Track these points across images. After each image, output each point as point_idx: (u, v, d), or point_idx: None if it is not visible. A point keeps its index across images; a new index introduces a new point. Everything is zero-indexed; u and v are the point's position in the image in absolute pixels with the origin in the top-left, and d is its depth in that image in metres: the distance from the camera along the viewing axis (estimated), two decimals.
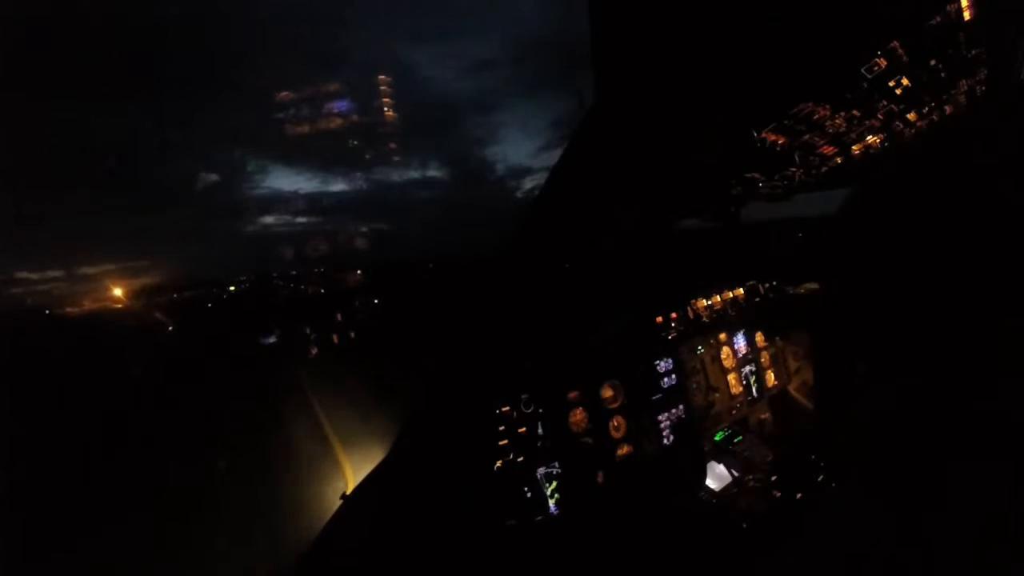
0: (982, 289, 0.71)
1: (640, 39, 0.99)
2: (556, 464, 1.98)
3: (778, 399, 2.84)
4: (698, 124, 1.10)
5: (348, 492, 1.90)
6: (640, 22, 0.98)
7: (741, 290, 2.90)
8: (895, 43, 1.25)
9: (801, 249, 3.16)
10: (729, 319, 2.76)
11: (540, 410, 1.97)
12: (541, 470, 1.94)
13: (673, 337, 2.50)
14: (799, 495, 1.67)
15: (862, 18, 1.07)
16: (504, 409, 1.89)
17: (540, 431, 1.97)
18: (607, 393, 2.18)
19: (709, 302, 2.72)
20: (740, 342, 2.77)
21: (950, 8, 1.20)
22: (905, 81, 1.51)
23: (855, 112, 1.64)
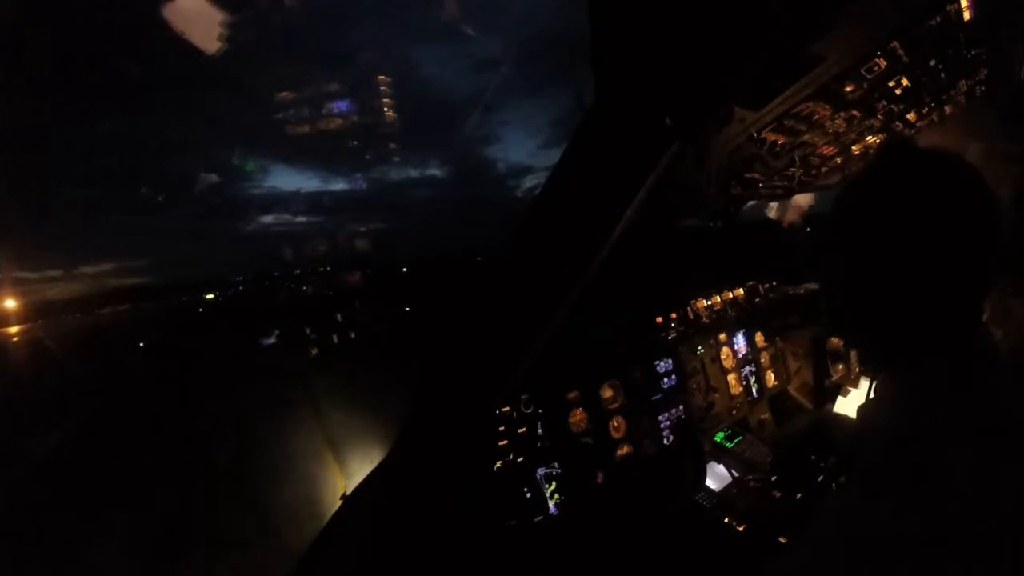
0: (978, 287, 0.71)
1: (640, 38, 0.99)
2: (556, 464, 1.97)
3: (778, 399, 2.84)
4: (698, 124, 1.10)
5: (348, 492, 1.90)
6: (640, 21, 0.97)
7: (741, 290, 2.89)
8: (895, 43, 1.25)
9: (801, 249, 3.16)
10: (729, 319, 2.76)
11: (540, 410, 1.97)
12: (541, 470, 1.94)
13: (673, 337, 2.50)
14: (799, 495, 1.67)
15: (862, 18, 1.07)
16: (504, 409, 1.89)
17: (540, 431, 1.97)
18: (607, 393, 2.18)
19: (709, 302, 2.72)
20: (740, 342, 2.77)
21: (950, 8, 1.20)
22: (905, 81, 1.51)
23: (855, 112, 1.64)
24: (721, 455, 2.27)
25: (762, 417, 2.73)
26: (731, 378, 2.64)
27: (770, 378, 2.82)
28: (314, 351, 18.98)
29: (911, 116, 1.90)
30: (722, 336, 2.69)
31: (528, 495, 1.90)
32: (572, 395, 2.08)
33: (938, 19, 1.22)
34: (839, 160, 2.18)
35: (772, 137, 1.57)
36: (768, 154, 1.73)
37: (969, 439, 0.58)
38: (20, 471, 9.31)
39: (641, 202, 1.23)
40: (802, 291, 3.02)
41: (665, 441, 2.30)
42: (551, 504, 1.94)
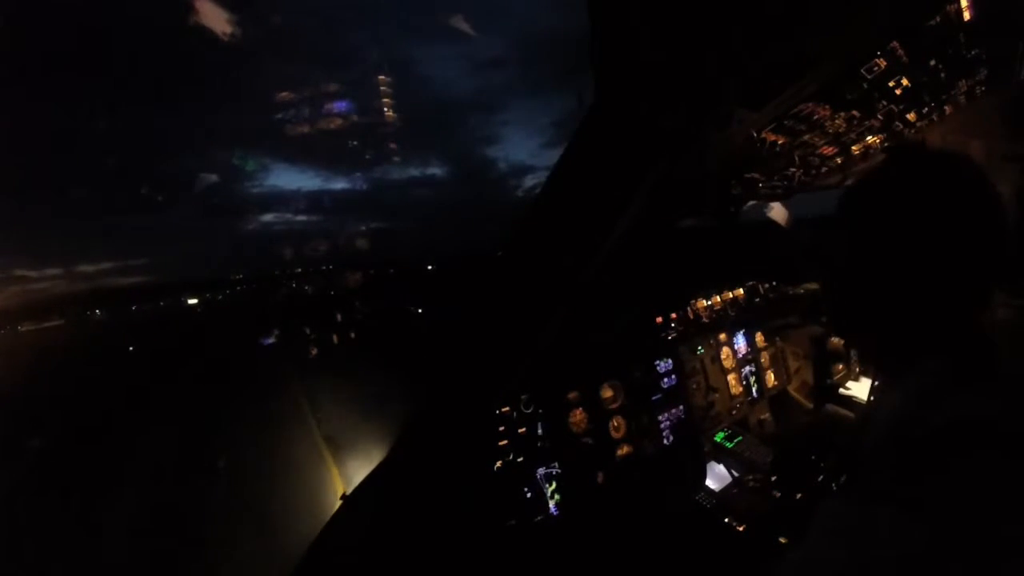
0: (979, 288, 0.71)
1: (640, 39, 0.99)
2: (556, 464, 1.97)
3: (778, 399, 2.84)
4: (698, 124, 1.10)
5: (347, 492, 1.90)
6: (640, 22, 0.97)
7: (741, 290, 2.89)
8: (895, 43, 1.25)
9: (801, 249, 3.15)
10: (729, 319, 2.76)
11: (540, 410, 1.97)
12: (541, 470, 1.94)
13: (673, 337, 2.50)
14: (799, 495, 1.67)
15: (862, 19, 1.07)
16: (504, 409, 1.89)
17: (540, 431, 1.97)
18: (607, 393, 2.18)
19: (709, 302, 2.72)
20: (740, 342, 2.77)
21: (950, 8, 1.19)
22: (905, 81, 1.51)
23: (855, 112, 1.64)
24: (721, 455, 2.27)
25: (762, 417, 2.73)
26: (731, 378, 2.64)
27: (770, 378, 2.82)
28: (314, 351, 19.02)
29: (911, 116, 1.90)
30: (722, 336, 2.69)
31: (528, 495, 1.90)
32: (572, 395, 2.08)
33: (938, 19, 1.22)
34: (839, 160, 2.18)
35: (772, 137, 1.57)
36: (768, 154, 1.72)
37: (970, 441, 0.58)
38: (22, 466, 9.35)
39: (641, 202, 1.23)
40: (802, 291, 3.02)
41: (665, 441, 2.30)
42: (551, 504, 1.94)
